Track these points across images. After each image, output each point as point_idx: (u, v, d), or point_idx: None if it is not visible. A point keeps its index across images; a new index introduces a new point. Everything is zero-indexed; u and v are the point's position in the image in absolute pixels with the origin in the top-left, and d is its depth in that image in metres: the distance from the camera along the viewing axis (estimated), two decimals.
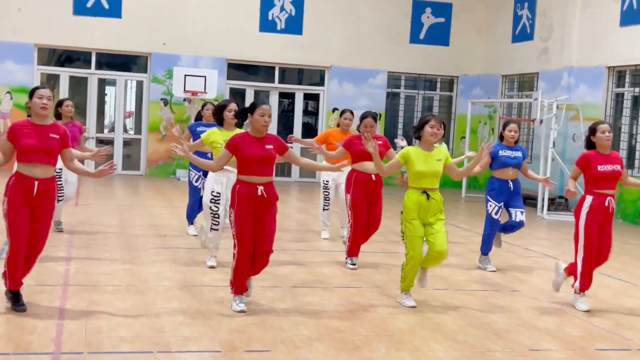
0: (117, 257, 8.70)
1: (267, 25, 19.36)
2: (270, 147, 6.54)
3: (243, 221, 6.45)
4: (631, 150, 15.59)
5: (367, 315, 6.83)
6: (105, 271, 7.95)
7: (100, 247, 9.27)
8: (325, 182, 10.76)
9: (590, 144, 7.41)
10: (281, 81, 20.00)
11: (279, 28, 19.42)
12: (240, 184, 6.50)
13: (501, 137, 9.17)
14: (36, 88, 6.18)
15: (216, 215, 8.18)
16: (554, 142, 15.68)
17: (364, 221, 8.62)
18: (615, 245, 11.99)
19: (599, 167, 7.24)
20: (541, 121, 15.89)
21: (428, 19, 20.25)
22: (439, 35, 20.33)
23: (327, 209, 10.80)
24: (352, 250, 8.80)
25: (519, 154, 9.05)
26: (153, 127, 18.94)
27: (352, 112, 10.35)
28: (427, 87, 20.80)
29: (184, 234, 10.52)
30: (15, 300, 6.23)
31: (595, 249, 7.34)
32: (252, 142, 6.50)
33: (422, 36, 20.25)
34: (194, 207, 10.28)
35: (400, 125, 20.53)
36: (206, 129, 9.98)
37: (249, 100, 19.65)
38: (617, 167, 7.33)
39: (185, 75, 17.98)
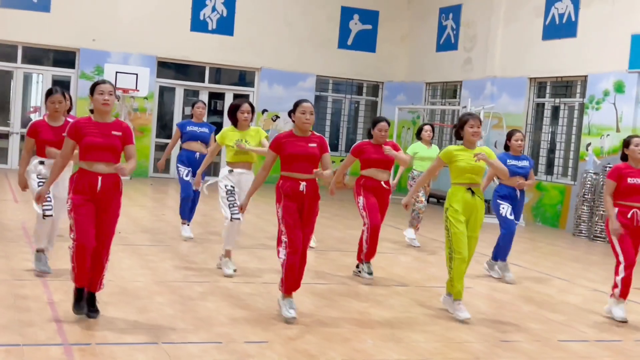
0: None
1: (198, 25, 19.43)
2: (314, 145, 6.59)
3: (290, 215, 6.48)
4: (550, 159, 16.48)
5: (345, 310, 7.16)
6: None
7: (59, 246, 9.12)
8: None
9: (624, 156, 7.68)
10: (211, 81, 20.09)
11: (210, 28, 19.52)
12: (284, 179, 6.56)
13: (506, 147, 9.27)
14: (96, 83, 5.96)
15: (234, 204, 8.01)
16: None
17: (378, 222, 8.40)
18: (543, 246, 12.89)
19: (630, 180, 7.48)
20: None
21: (356, 25, 20.77)
22: (366, 42, 20.88)
23: None
24: (369, 254, 8.52)
25: (525, 163, 9.20)
26: None
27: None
28: (353, 91, 21.31)
29: (139, 231, 10.58)
30: (77, 300, 6.03)
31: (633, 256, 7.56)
32: (295, 140, 6.56)
33: (349, 42, 20.75)
34: (186, 202, 10.16)
35: (327, 128, 20.94)
36: (196, 128, 10.22)
37: (178, 99, 19.69)
38: None
39: (117, 72, 17.84)
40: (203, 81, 19.97)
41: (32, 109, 19.50)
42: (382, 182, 8.54)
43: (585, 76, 15.29)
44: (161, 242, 9.89)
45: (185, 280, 7.80)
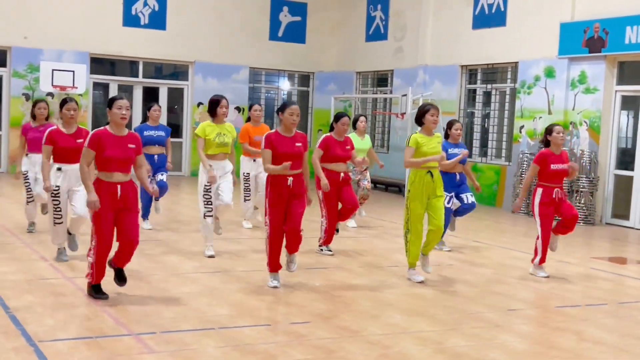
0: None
1: (130, 20, 19.41)
2: (300, 144, 7.37)
3: (275, 207, 7.27)
4: (483, 141, 17.41)
5: (347, 290, 7.69)
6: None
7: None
8: (245, 174, 11.33)
9: (546, 142, 8.68)
10: (146, 76, 20.10)
11: (142, 23, 19.53)
12: (272, 176, 7.28)
13: (446, 136, 10.00)
14: (114, 99, 6.58)
15: (209, 202, 8.73)
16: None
17: (336, 215, 9.43)
18: (490, 225, 13.72)
19: (552, 166, 8.55)
20: (403, 114, 17.41)
21: (285, 17, 21.19)
22: (296, 33, 21.34)
23: (249, 200, 11.41)
24: (328, 240, 9.54)
25: (462, 150, 9.93)
26: (14, 122, 18.36)
27: (260, 105, 11.30)
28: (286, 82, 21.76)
29: None
30: (96, 291, 6.71)
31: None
32: (284, 140, 7.33)
33: (280, 34, 21.16)
34: (144, 201, 10.40)
35: (262, 120, 21.20)
36: (153, 132, 10.49)
37: (112, 95, 19.57)
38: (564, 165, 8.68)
39: (53, 70, 17.67)
40: (137, 76, 19.96)
41: None
42: (341, 174, 9.46)
43: (516, 63, 16.23)
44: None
45: (197, 272, 8.13)
